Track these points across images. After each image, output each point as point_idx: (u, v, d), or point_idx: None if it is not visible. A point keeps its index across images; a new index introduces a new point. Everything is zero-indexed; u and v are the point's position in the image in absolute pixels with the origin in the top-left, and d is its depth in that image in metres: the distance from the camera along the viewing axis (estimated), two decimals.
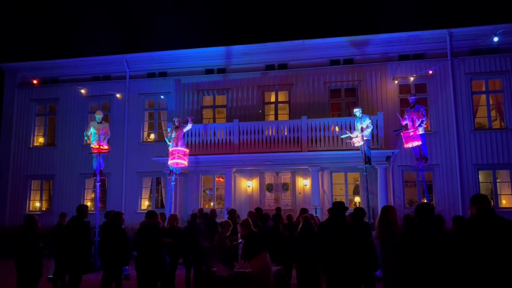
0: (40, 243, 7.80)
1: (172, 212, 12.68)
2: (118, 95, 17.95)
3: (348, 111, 16.42)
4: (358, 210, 7.78)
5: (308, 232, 7.30)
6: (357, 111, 13.17)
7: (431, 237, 4.29)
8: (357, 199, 15.90)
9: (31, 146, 18.85)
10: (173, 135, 13.91)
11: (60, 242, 8.86)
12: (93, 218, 13.32)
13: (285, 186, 16.32)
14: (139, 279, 7.49)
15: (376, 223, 5.40)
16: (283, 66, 17.40)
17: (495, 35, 14.61)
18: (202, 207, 15.99)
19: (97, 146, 13.33)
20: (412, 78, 15.70)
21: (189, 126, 14.45)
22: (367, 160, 12.79)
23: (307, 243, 7.19)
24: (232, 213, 10.61)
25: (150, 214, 7.94)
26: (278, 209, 11.22)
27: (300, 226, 7.51)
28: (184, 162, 13.63)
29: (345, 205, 6.48)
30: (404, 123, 12.20)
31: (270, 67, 17.51)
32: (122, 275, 7.64)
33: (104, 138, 13.40)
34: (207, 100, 17.98)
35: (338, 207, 6.30)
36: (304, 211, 9.07)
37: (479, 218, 4.28)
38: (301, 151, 14.72)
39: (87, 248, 7.52)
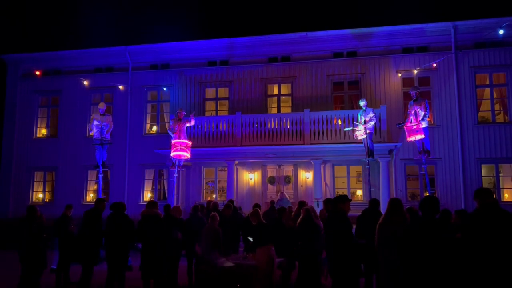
0: (43, 234, 7.84)
1: (175, 204, 12.72)
2: (120, 87, 17.95)
3: (351, 104, 16.38)
4: (373, 202, 7.64)
5: (308, 224, 7.27)
6: (362, 103, 13.08)
7: (437, 233, 4.28)
8: (359, 192, 15.90)
9: (34, 138, 18.89)
10: (176, 127, 13.85)
11: (65, 234, 8.93)
12: None
13: (287, 179, 16.33)
14: (142, 269, 7.54)
15: (382, 219, 5.38)
16: (286, 59, 17.33)
17: (500, 28, 14.54)
18: (205, 199, 16.07)
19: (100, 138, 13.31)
20: (415, 71, 15.63)
21: (192, 123, 14.12)
22: (370, 153, 12.75)
23: (307, 235, 7.17)
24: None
25: (151, 203, 8.01)
26: (272, 203, 11.33)
27: (300, 218, 7.46)
28: (187, 155, 13.62)
29: (346, 197, 6.42)
30: (409, 118, 12.01)
31: (273, 60, 17.45)
32: (126, 266, 7.66)
33: (107, 130, 13.37)
34: (210, 92, 17.95)
35: (338, 200, 6.29)
36: (302, 203, 9.05)
37: (481, 212, 4.27)
38: (304, 144, 14.72)
39: (100, 240, 7.56)
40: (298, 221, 7.48)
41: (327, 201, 8.20)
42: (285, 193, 14.88)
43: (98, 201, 8.00)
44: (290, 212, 9.17)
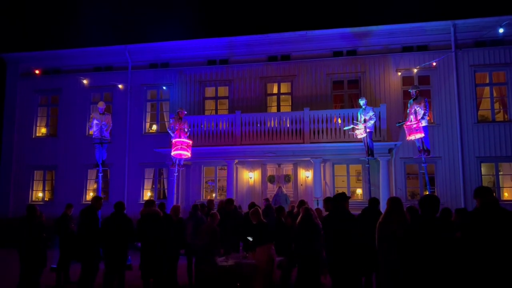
0: (43, 233, 7.84)
1: (174, 203, 12.71)
2: (120, 86, 17.93)
3: (351, 103, 16.37)
4: (373, 201, 7.62)
5: (308, 223, 7.24)
6: (362, 102, 13.06)
7: (437, 232, 4.28)
8: (359, 191, 15.90)
9: (33, 137, 18.87)
10: (176, 126, 13.81)
11: (66, 233, 8.93)
12: None
13: (287, 178, 16.32)
14: (142, 268, 7.54)
15: (382, 218, 5.37)
16: (285, 58, 17.31)
17: (500, 27, 14.54)
18: (204, 198, 16.06)
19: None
20: (415, 70, 15.62)
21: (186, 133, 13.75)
22: (370, 152, 12.74)
23: (307, 235, 7.15)
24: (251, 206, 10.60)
25: (149, 203, 8.00)
26: (267, 200, 11.32)
27: (299, 217, 7.44)
28: (188, 154, 13.60)
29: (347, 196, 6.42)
30: (409, 117, 11.96)
31: (272, 59, 17.42)
32: (125, 265, 7.66)
33: (107, 129, 13.36)
34: (209, 91, 17.93)
35: (337, 198, 6.28)
36: (302, 203, 9.03)
37: (482, 211, 4.27)
38: (303, 142, 14.71)
39: (98, 237, 7.54)
40: (297, 221, 7.46)
41: (327, 200, 8.19)
42: (282, 188, 14.86)
43: (95, 199, 7.98)
44: (293, 209, 9.17)
